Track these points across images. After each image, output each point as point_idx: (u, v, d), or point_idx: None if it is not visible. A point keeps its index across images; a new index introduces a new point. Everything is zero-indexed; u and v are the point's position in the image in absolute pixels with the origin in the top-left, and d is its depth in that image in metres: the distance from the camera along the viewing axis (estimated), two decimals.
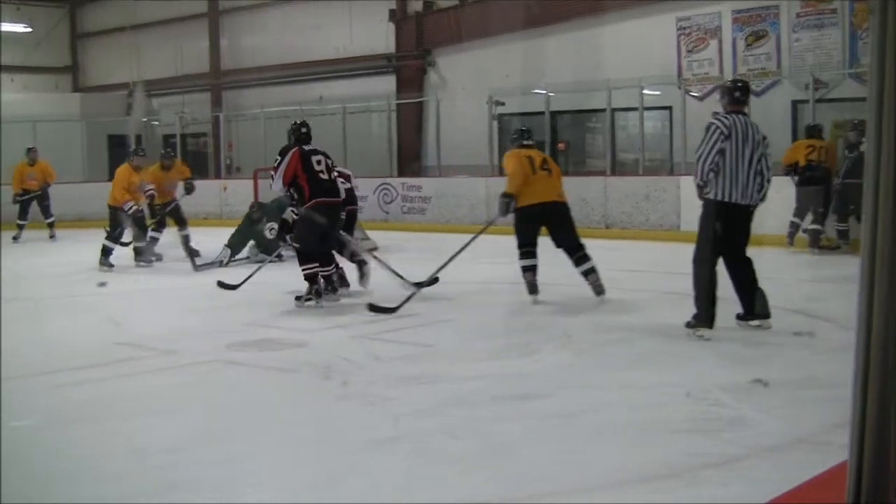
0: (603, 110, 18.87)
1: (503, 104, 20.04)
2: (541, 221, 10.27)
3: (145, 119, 26.75)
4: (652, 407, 5.96)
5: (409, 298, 9.93)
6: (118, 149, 24.83)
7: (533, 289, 10.09)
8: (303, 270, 10.31)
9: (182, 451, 5.35)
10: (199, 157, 27.37)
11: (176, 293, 11.36)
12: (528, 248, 10.15)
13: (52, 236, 19.43)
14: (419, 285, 10.46)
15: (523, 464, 4.96)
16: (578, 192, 17.31)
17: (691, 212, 11.12)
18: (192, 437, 5.65)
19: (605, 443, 5.31)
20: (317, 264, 10.31)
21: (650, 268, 12.85)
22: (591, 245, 10.30)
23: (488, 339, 8.44)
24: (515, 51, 20.60)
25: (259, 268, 11.57)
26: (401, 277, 10.59)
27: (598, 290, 10.05)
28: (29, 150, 19.83)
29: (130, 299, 10.89)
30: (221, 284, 11.09)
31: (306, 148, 10.38)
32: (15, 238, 19.09)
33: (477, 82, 21.12)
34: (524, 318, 9.51)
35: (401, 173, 22.02)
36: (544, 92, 19.37)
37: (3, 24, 28.52)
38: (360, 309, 9.88)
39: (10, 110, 25.94)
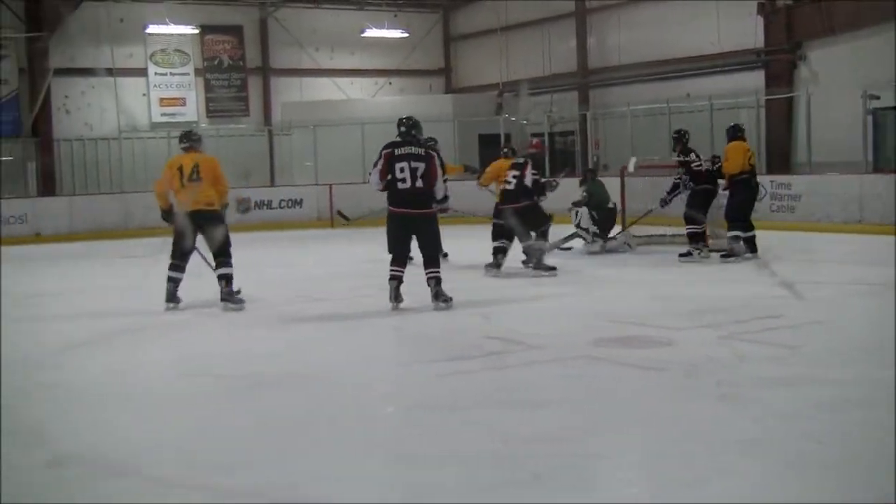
0: None
1: (878, 98, 19.25)
2: None
3: (514, 118, 27.43)
4: None
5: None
6: (488, 147, 25.61)
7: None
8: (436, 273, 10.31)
9: (545, 443, 5.58)
10: (566, 155, 27.82)
11: (546, 288, 11.67)
12: None
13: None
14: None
15: (892, 473, 4.89)
16: None
17: None
18: (556, 430, 5.86)
19: None
20: (439, 268, 10.31)
21: None
22: None
23: (855, 343, 8.25)
24: (892, 41, 19.73)
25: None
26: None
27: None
28: None
29: (499, 294, 11.28)
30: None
31: (397, 152, 10.33)
32: None
33: (850, 76, 20.36)
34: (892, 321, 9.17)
35: (769, 170, 21.55)
36: None
37: (382, 30, 30.05)
38: (725, 308, 9.85)
39: (388, 111, 27.34)
